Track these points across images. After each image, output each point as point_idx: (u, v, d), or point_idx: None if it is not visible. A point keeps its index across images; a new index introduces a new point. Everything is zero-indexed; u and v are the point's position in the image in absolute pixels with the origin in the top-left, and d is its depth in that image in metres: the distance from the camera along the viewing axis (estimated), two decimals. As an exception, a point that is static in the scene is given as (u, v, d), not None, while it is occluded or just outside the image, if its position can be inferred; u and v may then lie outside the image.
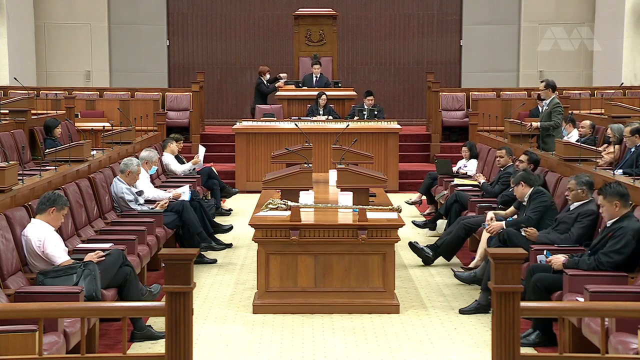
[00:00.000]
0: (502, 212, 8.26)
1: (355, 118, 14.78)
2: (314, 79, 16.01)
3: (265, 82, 16.11)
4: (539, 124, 10.63)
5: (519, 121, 11.90)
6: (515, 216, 8.03)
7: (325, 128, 13.73)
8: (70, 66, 19.79)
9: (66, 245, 6.61)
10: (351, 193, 7.60)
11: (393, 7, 20.44)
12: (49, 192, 6.63)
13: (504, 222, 7.78)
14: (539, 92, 11.93)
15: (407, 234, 9.90)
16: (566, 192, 7.19)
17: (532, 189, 7.75)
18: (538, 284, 6.24)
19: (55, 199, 6.38)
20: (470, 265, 8.31)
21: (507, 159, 9.69)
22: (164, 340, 3.98)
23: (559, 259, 6.33)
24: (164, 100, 16.58)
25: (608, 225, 6.25)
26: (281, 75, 16.35)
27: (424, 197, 11.82)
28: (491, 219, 8.01)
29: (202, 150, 12.27)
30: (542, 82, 10.84)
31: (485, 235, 7.96)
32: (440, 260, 8.75)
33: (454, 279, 7.97)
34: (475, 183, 10.39)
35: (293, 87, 16.04)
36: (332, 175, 8.67)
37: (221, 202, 11.95)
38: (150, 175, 9.88)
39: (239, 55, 20.53)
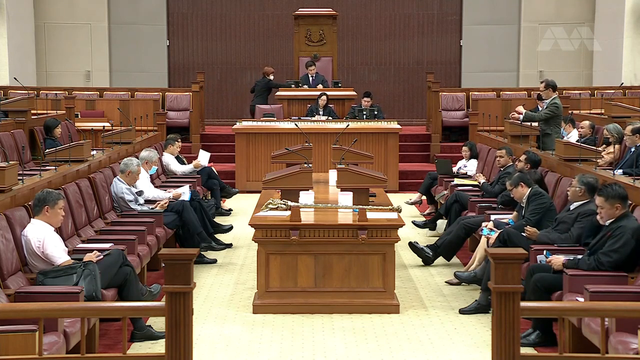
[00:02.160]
0: (504, 219, 8.18)
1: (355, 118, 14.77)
2: (310, 78, 16.03)
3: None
4: (523, 110, 10.63)
5: (519, 122, 11.87)
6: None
7: (325, 128, 13.73)
8: (70, 66, 19.78)
9: (66, 245, 6.61)
10: (351, 193, 7.60)
11: (393, 7, 20.44)
12: (38, 192, 6.53)
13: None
14: (539, 92, 11.92)
15: (407, 234, 9.90)
16: (568, 187, 7.20)
17: (530, 189, 7.74)
18: (538, 284, 6.23)
19: (44, 197, 6.34)
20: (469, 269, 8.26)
21: (507, 159, 9.69)
22: (164, 340, 3.98)
23: (558, 259, 6.32)
24: (164, 100, 16.59)
25: (607, 224, 6.24)
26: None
27: (424, 197, 11.82)
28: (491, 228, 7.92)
29: (205, 155, 12.18)
30: (542, 82, 10.83)
31: (483, 241, 7.90)
32: (440, 260, 8.75)
33: (454, 279, 7.97)
34: (475, 183, 10.39)
35: (292, 87, 16.05)
36: (332, 175, 8.67)
37: (221, 202, 11.94)
38: (150, 175, 9.88)
39: (239, 55, 20.52)
